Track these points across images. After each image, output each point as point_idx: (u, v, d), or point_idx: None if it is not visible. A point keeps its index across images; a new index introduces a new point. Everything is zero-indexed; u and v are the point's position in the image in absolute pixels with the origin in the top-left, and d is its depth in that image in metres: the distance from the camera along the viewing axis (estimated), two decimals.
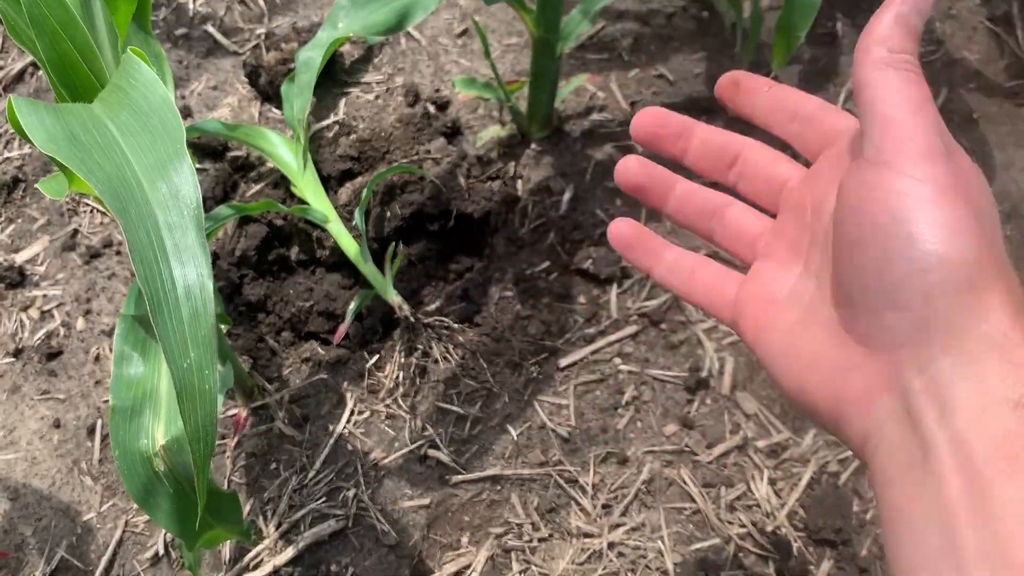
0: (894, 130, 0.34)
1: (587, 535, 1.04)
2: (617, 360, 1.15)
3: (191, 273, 0.49)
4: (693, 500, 1.06)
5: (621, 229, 0.53)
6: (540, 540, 1.05)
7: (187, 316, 0.48)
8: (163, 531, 1.09)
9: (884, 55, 0.35)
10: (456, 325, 1.17)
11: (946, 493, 0.29)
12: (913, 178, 0.32)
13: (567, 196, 1.26)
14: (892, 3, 0.37)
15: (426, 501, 1.08)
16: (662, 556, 1.02)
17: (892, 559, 0.33)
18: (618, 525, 1.05)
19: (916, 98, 0.34)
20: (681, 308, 1.17)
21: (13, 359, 1.26)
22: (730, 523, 1.04)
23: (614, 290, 1.19)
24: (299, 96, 1.09)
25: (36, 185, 0.84)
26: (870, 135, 0.35)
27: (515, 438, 1.11)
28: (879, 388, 0.34)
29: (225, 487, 1.12)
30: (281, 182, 1.34)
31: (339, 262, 1.25)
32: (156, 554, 1.09)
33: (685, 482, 1.07)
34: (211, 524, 0.81)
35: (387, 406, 1.15)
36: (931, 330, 0.32)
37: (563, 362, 1.15)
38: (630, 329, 1.16)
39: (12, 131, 1.47)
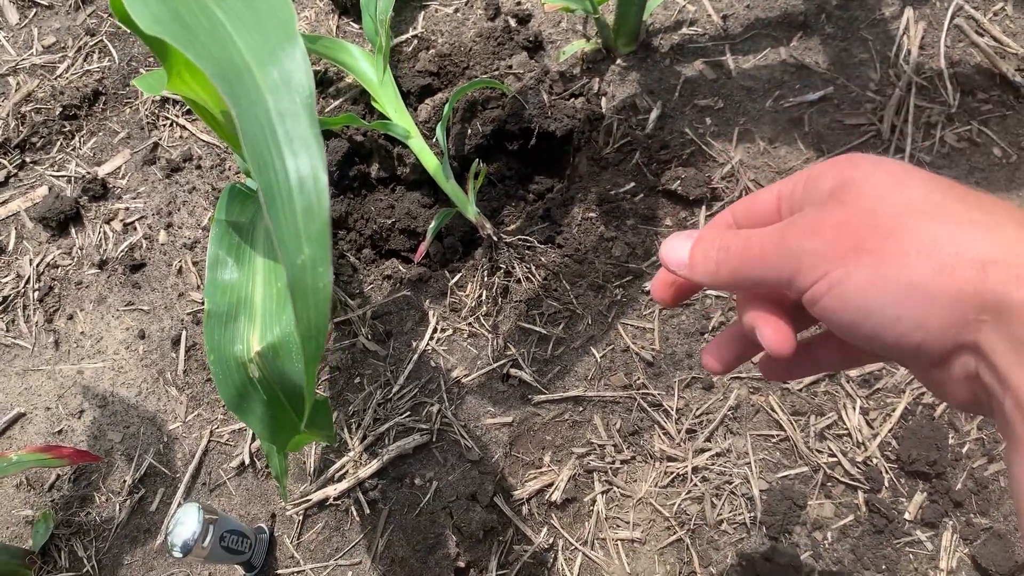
0: None
1: (671, 459, 1.03)
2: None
3: (304, 164, 0.47)
4: (781, 428, 1.03)
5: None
6: (623, 462, 1.04)
7: (301, 209, 0.46)
8: (248, 441, 1.11)
9: None
10: (539, 245, 1.15)
11: None
12: None
13: (654, 114, 1.21)
14: None
15: (508, 419, 1.07)
16: (748, 482, 1.01)
17: (1013, 471, 0.34)
18: (703, 450, 1.03)
19: None
20: None
21: (98, 270, 1.28)
22: (819, 452, 1.02)
23: (703, 212, 1.15)
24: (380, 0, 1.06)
25: (132, 81, 0.83)
26: None
27: (598, 360, 1.09)
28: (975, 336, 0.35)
29: None
30: (360, 98, 1.32)
31: (420, 180, 1.23)
32: (242, 463, 1.10)
33: (773, 409, 1.04)
34: (301, 430, 0.81)
35: (469, 324, 1.14)
36: None
37: (648, 286, 1.12)
38: None
39: (93, 43, 1.47)
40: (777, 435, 1.03)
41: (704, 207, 1.15)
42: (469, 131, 1.23)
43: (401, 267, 1.21)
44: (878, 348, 0.38)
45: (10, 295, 1.28)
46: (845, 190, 0.39)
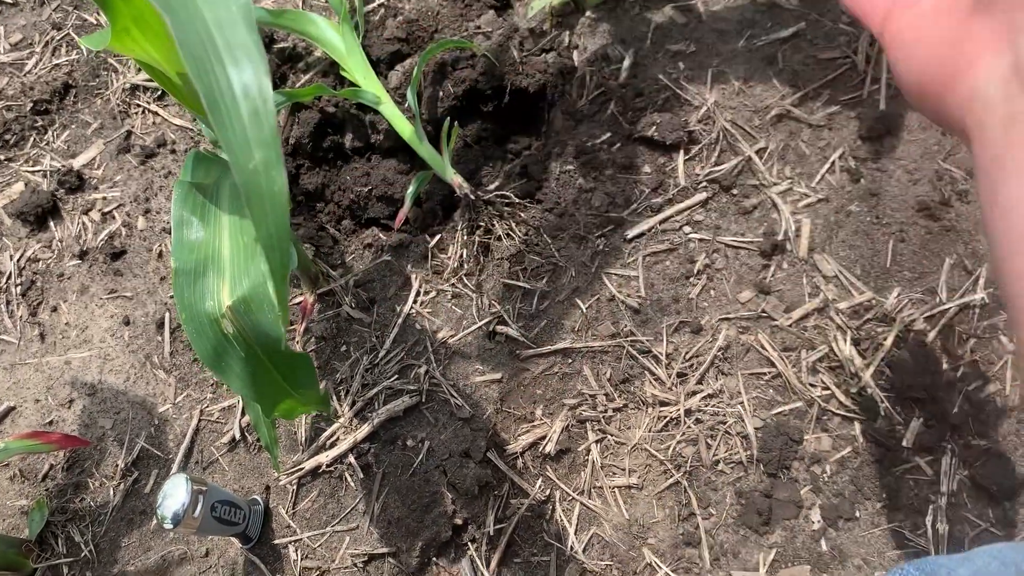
0: None
1: (663, 403, 1.02)
2: (687, 229, 1.11)
3: (246, 71, 0.46)
4: (772, 365, 1.02)
5: None
6: (615, 410, 1.03)
7: (247, 115, 0.46)
8: (238, 417, 1.10)
9: None
10: (518, 201, 1.14)
11: None
12: None
13: (627, 63, 1.20)
14: None
15: (497, 376, 1.06)
16: (742, 421, 1.00)
17: (988, 206, 0.36)
18: (694, 393, 1.02)
19: None
20: (753, 171, 1.11)
21: (79, 261, 1.27)
22: (812, 386, 1.01)
23: (681, 157, 1.14)
24: None
25: (79, 41, 0.81)
26: None
27: (584, 311, 1.08)
28: (989, 49, 0.37)
29: None
30: (330, 70, 1.30)
31: (394, 146, 1.22)
32: (233, 439, 1.10)
33: (763, 347, 1.03)
34: (287, 391, 0.80)
35: (452, 285, 1.13)
36: None
37: (630, 233, 1.11)
38: (699, 196, 1.12)
39: (60, 38, 1.46)
40: (769, 372, 1.02)
41: (682, 151, 1.14)
42: (441, 93, 1.21)
43: (381, 235, 1.20)
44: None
45: None
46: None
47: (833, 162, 1.10)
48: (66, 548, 1.08)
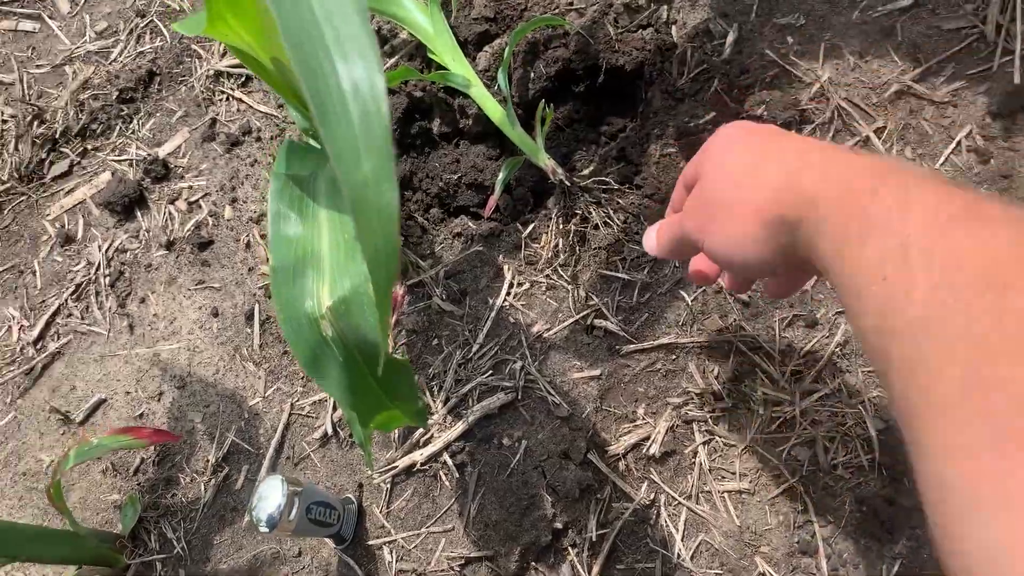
0: None
1: (776, 403, 0.96)
2: None
3: (357, 68, 0.42)
4: None
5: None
6: (723, 410, 0.97)
7: (357, 118, 0.41)
8: (329, 412, 1.08)
9: None
10: (615, 186, 1.08)
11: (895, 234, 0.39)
12: None
13: (730, 38, 1.13)
14: None
15: (596, 372, 1.01)
16: (863, 423, 0.93)
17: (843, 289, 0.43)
18: (810, 392, 0.95)
19: None
20: (871, 150, 1.03)
21: (166, 251, 1.26)
22: None
23: None
24: None
25: (173, 26, 0.78)
26: None
27: (689, 304, 1.02)
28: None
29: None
30: (417, 53, 1.26)
31: (483, 131, 1.17)
32: (325, 434, 1.07)
33: None
34: (384, 401, 0.76)
35: (547, 277, 1.08)
36: None
37: None
38: None
39: (144, 25, 1.45)
40: None
41: (794, 131, 1.06)
42: (532, 75, 1.16)
43: (471, 223, 1.15)
44: (752, 273, 0.59)
45: (82, 283, 1.27)
46: (700, 180, 0.59)
47: (959, 142, 1.01)
48: (159, 544, 1.07)
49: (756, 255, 0.52)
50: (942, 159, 1.01)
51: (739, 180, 0.53)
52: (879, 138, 1.03)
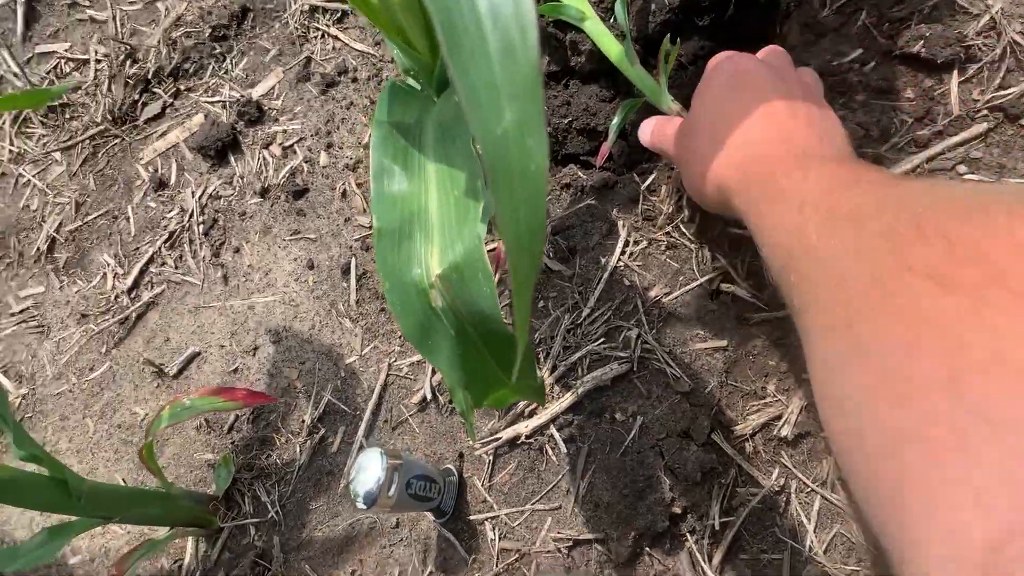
0: None
1: None
2: (962, 168, 0.90)
3: None
4: None
5: None
6: None
7: (497, 52, 0.32)
8: (428, 375, 1.01)
9: None
10: None
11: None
12: None
13: None
14: None
15: (722, 343, 0.91)
16: None
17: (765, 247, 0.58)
18: None
19: None
20: None
21: (261, 199, 1.21)
22: None
23: (954, 78, 0.92)
24: None
25: None
26: None
27: None
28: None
29: None
30: None
31: (596, 70, 1.06)
32: (424, 398, 1.01)
33: None
34: (500, 379, 0.68)
35: (667, 234, 0.98)
36: None
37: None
38: (978, 127, 0.90)
39: None
40: None
41: (956, 71, 0.92)
42: (653, 6, 1.04)
43: (581, 173, 1.05)
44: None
45: (175, 230, 1.24)
46: (691, 112, 0.76)
47: None
48: (253, 508, 1.03)
49: (705, 203, 0.73)
50: None
51: (712, 135, 0.69)
52: None
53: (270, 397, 0.98)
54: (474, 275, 0.58)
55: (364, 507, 0.78)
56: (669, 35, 0.96)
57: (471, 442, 0.96)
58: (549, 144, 1.01)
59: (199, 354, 1.16)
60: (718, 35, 1.04)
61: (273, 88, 1.27)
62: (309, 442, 1.04)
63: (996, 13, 0.92)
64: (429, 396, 1.00)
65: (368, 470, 0.80)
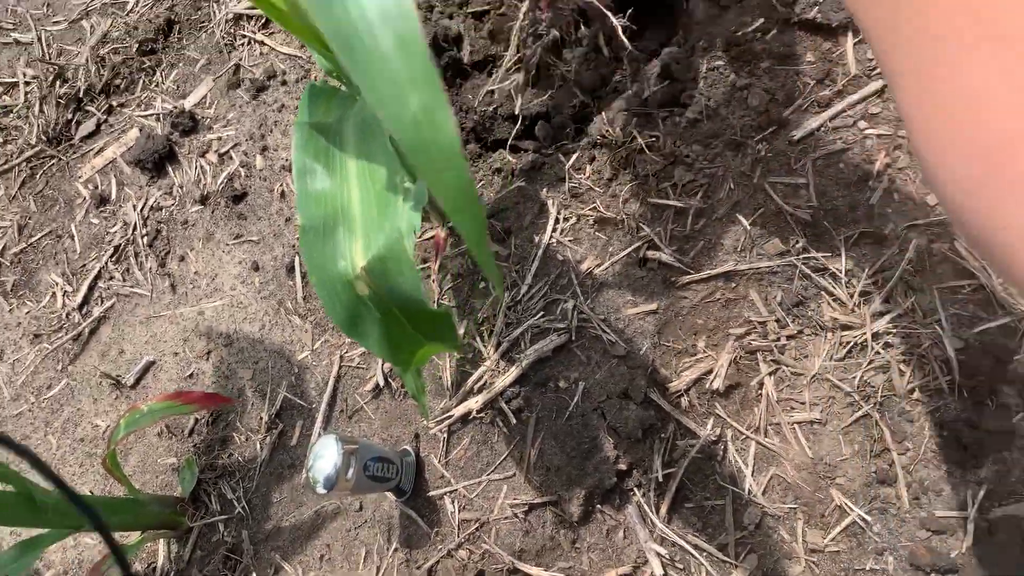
0: None
1: (845, 327, 0.90)
2: (862, 124, 0.96)
3: None
4: (973, 276, 0.88)
5: None
6: (789, 337, 0.92)
7: (391, 47, 0.36)
8: (380, 363, 1.05)
9: None
10: (661, 107, 1.01)
11: None
12: None
13: None
14: None
15: (652, 306, 0.96)
16: (940, 343, 0.87)
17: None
18: (882, 313, 0.90)
19: None
20: None
21: (201, 206, 1.23)
22: (1021, 297, 0.86)
23: (850, 40, 0.98)
24: None
25: None
26: None
27: (747, 228, 0.96)
28: None
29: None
30: None
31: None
32: (376, 385, 1.05)
33: (960, 256, 0.89)
34: (424, 344, 0.72)
35: (594, 209, 1.02)
36: None
37: (796, 134, 0.97)
38: (875, 84, 0.96)
39: None
40: (969, 284, 0.88)
41: (851, 33, 0.98)
42: None
43: (510, 157, 1.10)
44: None
45: (120, 244, 1.26)
46: None
47: None
48: (220, 506, 1.07)
49: None
50: None
51: None
52: None
53: (226, 398, 1.01)
54: (397, 264, 0.62)
55: (324, 492, 0.82)
56: (580, 19, 1.01)
57: (425, 422, 1.00)
58: (477, 131, 1.05)
59: (154, 363, 1.18)
60: (628, 13, 1.09)
61: (205, 97, 1.29)
62: (268, 438, 1.07)
63: None
64: (382, 383, 1.04)
65: (325, 456, 0.83)
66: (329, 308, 0.66)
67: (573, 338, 0.97)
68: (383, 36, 0.36)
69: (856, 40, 0.98)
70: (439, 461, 0.99)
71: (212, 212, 1.22)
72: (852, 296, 0.91)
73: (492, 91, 1.10)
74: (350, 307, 0.65)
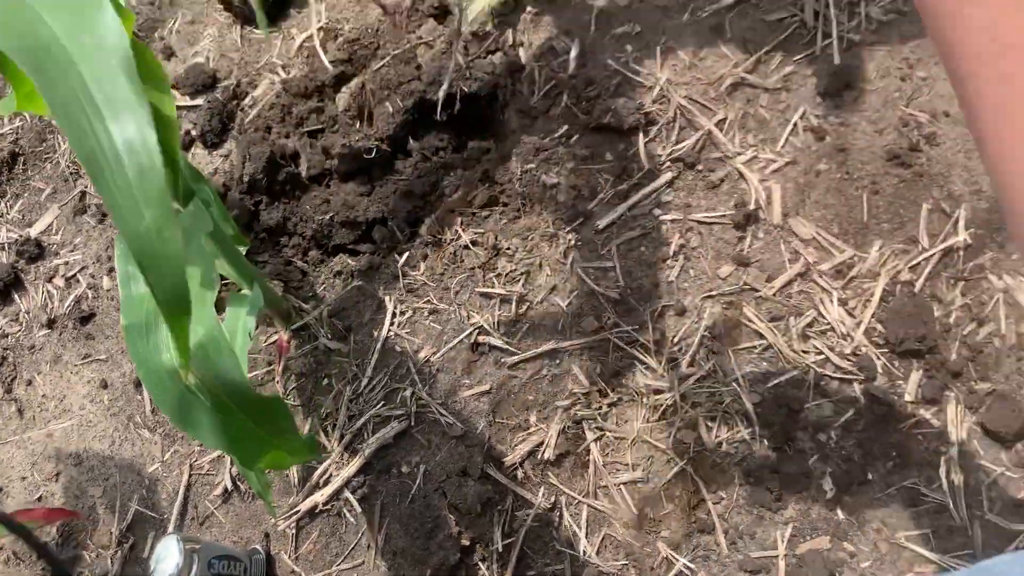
0: None
1: (657, 391, 1.00)
2: (656, 211, 1.08)
3: (129, 127, 0.44)
4: (762, 336, 1.00)
5: None
6: (610, 405, 1.01)
7: (133, 174, 0.44)
8: (228, 467, 1.07)
9: None
10: (482, 207, 1.11)
11: None
12: None
13: (574, 53, 1.18)
14: None
15: (486, 387, 1.04)
16: (739, 399, 0.97)
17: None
18: (687, 376, 1.00)
19: None
20: (715, 144, 1.09)
21: (49, 330, 1.24)
22: (805, 352, 0.98)
23: (641, 139, 1.11)
24: None
25: None
26: None
27: (564, 309, 1.06)
28: None
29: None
30: (277, 101, 1.28)
31: (351, 170, 1.20)
32: (225, 490, 1.07)
33: (750, 320, 1.01)
34: (266, 439, 0.76)
35: (428, 302, 1.10)
36: None
37: (600, 224, 1.08)
38: (665, 177, 1.09)
39: None
40: (759, 344, 1.00)
41: (641, 134, 1.12)
42: (391, 109, 1.19)
43: (350, 260, 1.17)
44: None
45: None
46: None
47: (795, 123, 1.08)
48: None
49: None
50: (782, 142, 1.07)
51: None
52: (720, 130, 1.09)
53: (70, 511, 1.01)
54: (217, 350, 0.67)
55: None
56: (408, 134, 1.11)
57: (274, 520, 1.03)
58: (317, 239, 1.13)
59: (1, 490, 1.16)
60: (453, 127, 1.21)
61: (51, 224, 1.32)
62: (119, 552, 1.07)
63: (664, 83, 1.13)
64: (231, 487, 1.06)
65: (166, 559, 0.85)
66: (158, 399, 0.70)
67: (413, 423, 1.03)
68: (129, 163, 0.45)
69: (647, 139, 1.11)
70: (289, 557, 1.01)
71: (60, 335, 1.24)
72: (661, 363, 1.00)
73: (328, 200, 1.18)
74: (179, 396, 0.69)
